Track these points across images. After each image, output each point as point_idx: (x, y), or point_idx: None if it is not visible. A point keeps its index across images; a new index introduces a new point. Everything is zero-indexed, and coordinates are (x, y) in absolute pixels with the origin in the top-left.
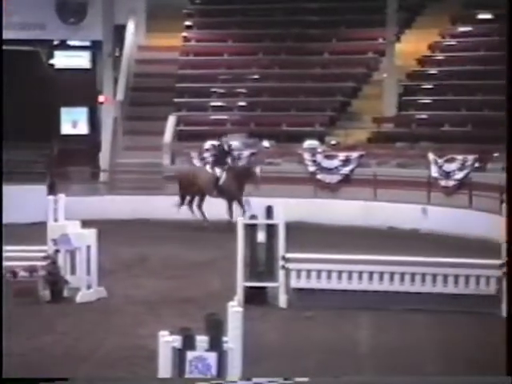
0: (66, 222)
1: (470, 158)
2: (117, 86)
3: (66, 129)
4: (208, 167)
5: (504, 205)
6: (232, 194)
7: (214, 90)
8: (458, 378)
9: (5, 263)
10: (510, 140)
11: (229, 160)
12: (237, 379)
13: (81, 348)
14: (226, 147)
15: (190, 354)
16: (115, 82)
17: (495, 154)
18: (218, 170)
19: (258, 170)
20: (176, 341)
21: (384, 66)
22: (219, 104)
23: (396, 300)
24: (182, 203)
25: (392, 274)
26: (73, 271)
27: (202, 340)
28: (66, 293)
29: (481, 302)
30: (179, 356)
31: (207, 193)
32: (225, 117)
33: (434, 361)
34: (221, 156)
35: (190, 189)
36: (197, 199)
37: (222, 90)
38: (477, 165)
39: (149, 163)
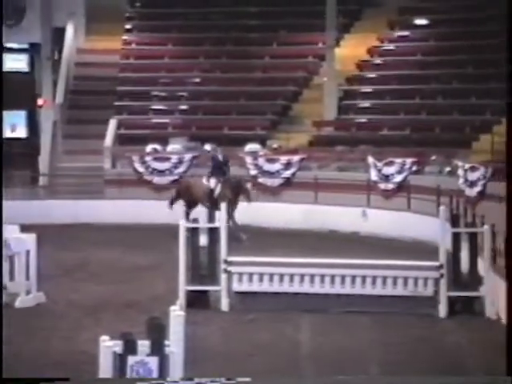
0: (5, 226)
1: (409, 161)
2: (56, 89)
3: (5, 132)
4: (204, 178)
5: (441, 207)
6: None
7: (155, 93)
8: (457, 378)
9: None
10: (509, 140)
11: (225, 171)
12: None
13: (19, 353)
14: (220, 158)
15: (131, 359)
16: (54, 85)
17: (432, 158)
18: (212, 182)
19: (249, 185)
20: (117, 345)
21: (324, 70)
22: (160, 107)
23: (337, 302)
24: (171, 205)
25: (333, 277)
26: (11, 277)
27: (143, 344)
28: (5, 299)
29: (419, 304)
30: (120, 361)
31: (202, 204)
32: (166, 120)
33: (374, 362)
34: (216, 167)
35: (186, 199)
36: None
37: (163, 94)
38: (415, 168)
39: (89, 167)
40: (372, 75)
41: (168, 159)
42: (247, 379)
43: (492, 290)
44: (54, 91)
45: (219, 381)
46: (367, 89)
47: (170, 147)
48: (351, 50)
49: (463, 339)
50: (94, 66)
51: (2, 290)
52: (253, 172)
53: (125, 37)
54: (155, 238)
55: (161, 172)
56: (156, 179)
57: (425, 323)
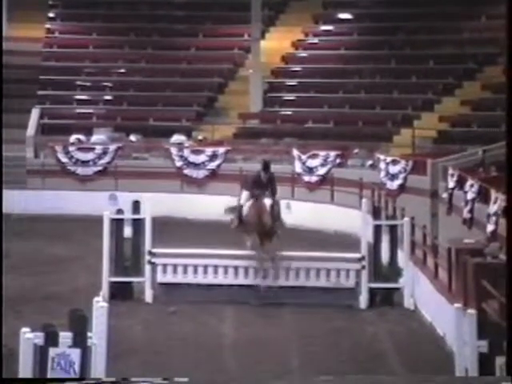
0: None
1: (332, 154)
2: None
3: None
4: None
5: (363, 200)
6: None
7: (79, 83)
8: (458, 378)
9: None
10: (509, 140)
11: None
12: (103, 376)
13: None
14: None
15: (52, 351)
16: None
17: (355, 151)
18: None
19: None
20: (38, 337)
21: (249, 63)
22: (84, 97)
23: (261, 294)
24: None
25: (257, 269)
26: None
27: (65, 336)
28: None
29: (340, 295)
30: (41, 353)
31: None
32: (90, 110)
33: (295, 353)
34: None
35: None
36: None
37: (87, 84)
38: (338, 161)
39: (12, 157)
40: (297, 68)
41: (92, 150)
42: (184, 379)
43: (410, 282)
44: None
45: (151, 381)
46: (292, 82)
47: (95, 137)
48: (276, 42)
49: (382, 330)
50: (17, 54)
51: (1, 285)
52: (178, 163)
53: (48, 25)
54: (78, 230)
55: (85, 162)
56: (80, 170)
57: (346, 314)
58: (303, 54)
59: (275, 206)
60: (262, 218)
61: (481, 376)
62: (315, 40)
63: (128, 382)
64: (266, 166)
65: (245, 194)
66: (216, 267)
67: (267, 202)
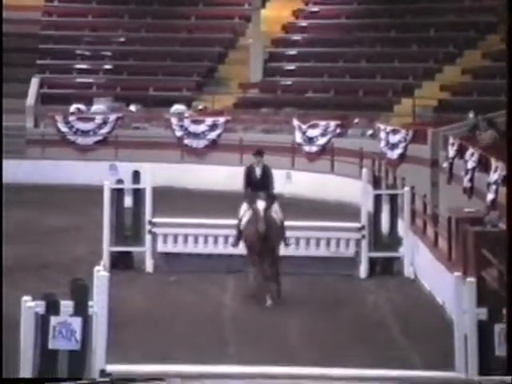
0: None
1: (332, 124)
2: None
3: None
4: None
5: (363, 169)
6: None
7: (78, 52)
8: (457, 377)
9: None
10: (509, 137)
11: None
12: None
13: None
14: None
15: (53, 320)
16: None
17: (355, 120)
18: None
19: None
20: (39, 306)
21: (250, 32)
22: (84, 67)
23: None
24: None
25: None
26: None
27: (66, 305)
28: None
29: (340, 265)
30: (42, 322)
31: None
32: (90, 80)
33: (297, 321)
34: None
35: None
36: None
37: (87, 53)
38: (338, 131)
39: (11, 126)
40: (297, 38)
41: (92, 119)
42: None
43: (410, 251)
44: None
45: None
46: (292, 51)
47: (95, 107)
48: (277, 11)
49: (382, 299)
50: (16, 22)
51: (2, 287)
52: (178, 133)
53: None
54: (78, 200)
55: (85, 132)
56: (80, 140)
57: (346, 284)
58: (303, 23)
59: (270, 210)
60: (259, 231)
61: (480, 376)
62: (315, 9)
63: (128, 381)
64: (258, 156)
65: (244, 205)
66: (216, 237)
67: (260, 205)
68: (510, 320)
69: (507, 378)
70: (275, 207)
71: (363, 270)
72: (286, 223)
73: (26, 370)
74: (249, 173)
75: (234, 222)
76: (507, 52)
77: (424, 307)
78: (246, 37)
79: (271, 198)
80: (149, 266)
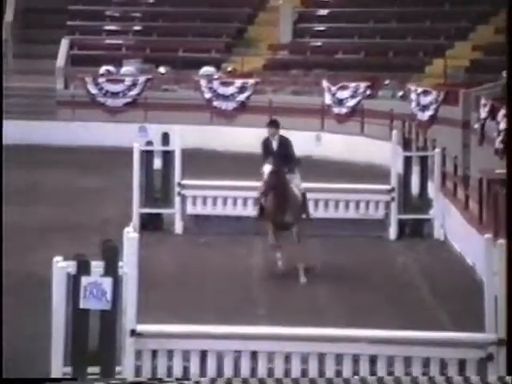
0: None
1: (362, 85)
2: (5, 6)
3: None
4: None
5: (394, 131)
6: None
7: (108, 13)
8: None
9: None
10: (509, 134)
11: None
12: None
13: None
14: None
15: (84, 280)
16: (3, 2)
17: (386, 82)
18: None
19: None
20: (70, 266)
21: None
22: (114, 28)
23: None
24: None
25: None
26: None
27: (97, 265)
28: None
29: (370, 226)
30: (74, 282)
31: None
32: (120, 41)
33: (327, 282)
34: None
35: None
36: None
37: (116, 14)
38: (368, 92)
39: (41, 88)
40: None
41: (122, 81)
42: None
43: (441, 213)
44: (3, 8)
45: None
46: (322, 12)
47: (124, 69)
48: None
49: (412, 260)
50: None
51: (2, 287)
52: (207, 95)
53: None
54: (107, 161)
55: (114, 94)
56: (109, 101)
57: (375, 245)
58: None
59: (289, 182)
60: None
61: (480, 376)
62: None
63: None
64: (272, 127)
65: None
66: (245, 199)
67: (266, 169)
68: (510, 320)
69: (507, 378)
70: (296, 180)
71: (393, 232)
72: (316, 185)
73: (58, 330)
74: (265, 146)
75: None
76: (507, 47)
77: (454, 268)
78: None
79: (291, 171)
80: (178, 227)
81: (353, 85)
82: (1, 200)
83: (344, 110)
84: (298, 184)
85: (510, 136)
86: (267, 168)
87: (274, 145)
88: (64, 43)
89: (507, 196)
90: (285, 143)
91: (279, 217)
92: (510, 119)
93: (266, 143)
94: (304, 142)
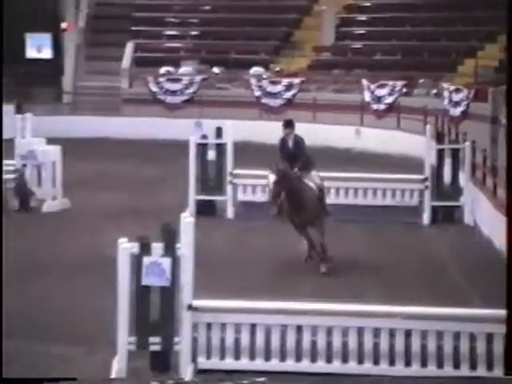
0: (33, 139)
1: (399, 83)
2: (79, 14)
3: (32, 53)
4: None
5: (428, 126)
6: None
7: (168, 19)
8: (457, 377)
9: None
10: (509, 132)
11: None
12: (191, 282)
13: (45, 253)
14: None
15: (146, 260)
16: (77, 9)
17: (421, 81)
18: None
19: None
20: (134, 247)
21: None
22: (173, 33)
23: (332, 211)
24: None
25: (328, 189)
26: (39, 184)
27: (157, 247)
28: (32, 203)
29: (405, 213)
30: (136, 261)
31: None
32: (179, 45)
33: (366, 262)
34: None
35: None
36: None
37: (176, 20)
38: (404, 90)
39: (108, 86)
40: (367, 4)
41: (180, 80)
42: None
43: (470, 200)
44: (76, 16)
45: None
46: (362, 17)
47: (182, 69)
48: None
49: (444, 244)
50: None
51: (2, 282)
52: (257, 93)
53: None
54: (166, 153)
55: (173, 92)
56: (168, 99)
57: (410, 230)
58: None
59: (303, 181)
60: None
61: (481, 377)
62: None
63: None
64: (287, 128)
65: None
66: None
67: (270, 179)
68: (510, 320)
69: (507, 378)
70: (312, 178)
71: (426, 218)
72: (356, 175)
73: (123, 304)
74: (282, 145)
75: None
76: (507, 45)
77: (483, 251)
78: (320, 3)
79: (305, 169)
80: (230, 213)
81: (390, 83)
82: (0, 196)
83: (382, 107)
84: (315, 181)
85: (510, 136)
86: (271, 177)
87: (290, 144)
88: (129, 46)
89: (507, 197)
90: (299, 143)
91: (295, 217)
92: (510, 119)
93: (283, 142)
94: (345, 135)
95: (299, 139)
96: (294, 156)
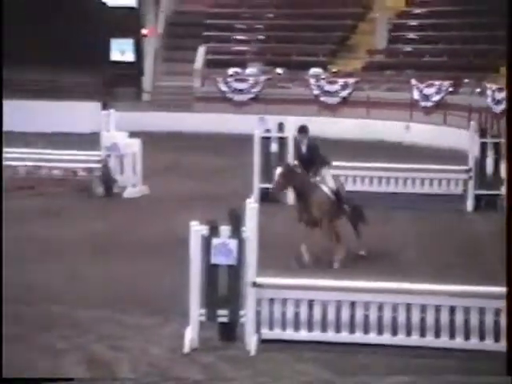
0: (116, 132)
1: (446, 83)
2: (158, 22)
3: (116, 56)
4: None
5: (472, 122)
6: None
7: (237, 25)
8: (458, 378)
9: (65, 164)
10: (509, 132)
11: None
12: (254, 262)
13: (125, 234)
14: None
15: (215, 241)
16: (156, 18)
17: (466, 80)
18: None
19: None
20: (204, 230)
21: (377, 6)
22: (241, 37)
23: (385, 199)
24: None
25: (379, 178)
26: (121, 172)
27: (225, 229)
28: (115, 190)
29: (450, 201)
30: (206, 242)
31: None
32: (245, 48)
33: (413, 244)
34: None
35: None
36: None
37: (243, 26)
38: (451, 89)
39: (182, 86)
40: (417, 11)
41: (246, 80)
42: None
43: None
44: (155, 23)
45: None
46: (413, 22)
47: (248, 70)
48: None
49: (486, 228)
50: (189, 1)
51: (2, 287)
52: (316, 92)
53: None
54: (233, 145)
55: (240, 91)
56: (236, 97)
57: (455, 216)
58: None
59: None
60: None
61: (480, 376)
62: None
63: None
64: (302, 133)
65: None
66: (347, 177)
67: (278, 170)
68: (510, 321)
69: (507, 378)
70: (327, 181)
71: (470, 205)
72: (404, 165)
73: (195, 280)
74: (296, 148)
75: (362, 164)
76: (507, 46)
77: None
78: (374, 11)
79: (316, 173)
80: (290, 199)
81: (437, 83)
82: (1, 195)
83: (430, 104)
84: (329, 184)
85: (510, 136)
86: (278, 170)
87: (303, 148)
88: (201, 50)
89: (507, 197)
90: (312, 148)
91: (303, 214)
92: (510, 119)
93: (298, 146)
94: (395, 130)
95: (312, 145)
96: (307, 160)
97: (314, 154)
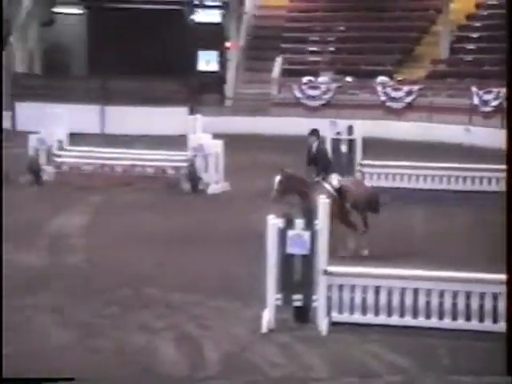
0: (202, 134)
1: (503, 90)
2: (240, 35)
3: (202, 66)
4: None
5: None
6: None
7: (310, 38)
8: (458, 378)
9: (157, 163)
10: (510, 133)
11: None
12: (325, 252)
13: (209, 226)
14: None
15: (290, 233)
16: (238, 32)
17: None
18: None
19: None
20: (280, 222)
21: (441, 20)
22: (314, 49)
23: (434, 196)
24: None
25: (432, 176)
26: (206, 171)
27: (299, 222)
28: (200, 186)
29: (487, 198)
30: (282, 234)
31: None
32: (318, 58)
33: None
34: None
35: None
36: None
37: (316, 39)
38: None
39: (261, 93)
40: (477, 24)
41: (319, 87)
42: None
43: None
44: (237, 36)
45: None
46: (474, 35)
47: (321, 79)
48: (463, 4)
49: None
50: (268, 18)
51: (2, 286)
52: (382, 98)
53: None
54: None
55: (313, 97)
56: (309, 102)
57: (491, 211)
58: (484, 12)
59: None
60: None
61: (480, 376)
62: (493, 1)
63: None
64: (311, 136)
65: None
66: (410, 175)
67: (276, 178)
68: (510, 322)
69: (507, 378)
70: (331, 178)
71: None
72: (450, 165)
73: (271, 268)
74: (308, 151)
75: (420, 164)
76: (507, 46)
77: None
78: (438, 24)
79: (325, 179)
80: None
81: (496, 90)
82: (1, 194)
83: (488, 109)
84: (333, 183)
85: (510, 136)
86: (276, 178)
87: (313, 151)
88: (278, 60)
89: (507, 197)
90: (320, 152)
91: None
92: (510, 119)
93: (309, 148)
94: (456, 133)
95: (321, 149)
96: (316, 161)
97: (322, 156)
